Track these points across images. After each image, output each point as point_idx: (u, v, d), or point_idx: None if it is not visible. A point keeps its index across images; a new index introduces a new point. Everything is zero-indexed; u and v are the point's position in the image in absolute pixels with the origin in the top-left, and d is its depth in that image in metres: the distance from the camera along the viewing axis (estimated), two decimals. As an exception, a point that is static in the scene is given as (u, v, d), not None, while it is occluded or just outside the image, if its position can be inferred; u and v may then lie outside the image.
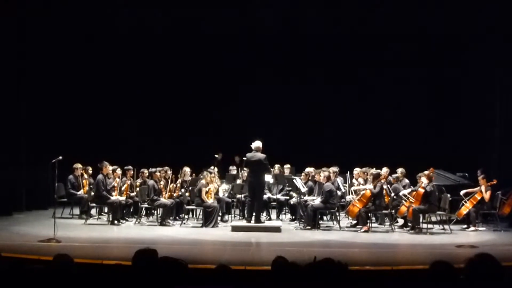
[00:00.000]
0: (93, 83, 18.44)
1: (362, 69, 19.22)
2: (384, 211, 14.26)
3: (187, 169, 15.73)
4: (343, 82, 19.43)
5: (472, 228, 14.09)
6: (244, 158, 14.66)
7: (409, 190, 14.31)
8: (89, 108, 18.43)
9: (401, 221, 14.76)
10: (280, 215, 16.20)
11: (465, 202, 14.27)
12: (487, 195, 14.21)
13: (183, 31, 18.95)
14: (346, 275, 4.18)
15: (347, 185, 15.53)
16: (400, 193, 14.34)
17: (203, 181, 14.50)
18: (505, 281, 4.07)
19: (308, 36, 19.20)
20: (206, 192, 14.39)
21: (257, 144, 14.05)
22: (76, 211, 15.69)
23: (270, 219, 15.64)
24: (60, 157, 12.05)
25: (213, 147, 18.51)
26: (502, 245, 12.05)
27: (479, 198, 14.21)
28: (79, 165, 15.72)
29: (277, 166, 16.33)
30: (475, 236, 13.34)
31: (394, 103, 19.07)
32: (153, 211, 15.43)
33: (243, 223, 14.21)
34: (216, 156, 18.32)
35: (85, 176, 15.84)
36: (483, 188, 14.27)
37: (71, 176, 15.65)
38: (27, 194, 16.63)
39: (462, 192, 14.43)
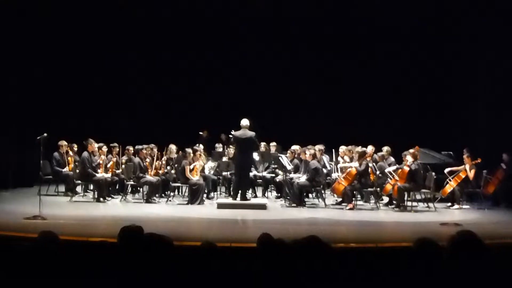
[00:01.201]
0: (79, 59, 18.29)
1: (349, 47, 19.20)
2: (369, 189, 14.33)
3: (172, 147, 15.73)
4: (330, 60, 19.40)
5: (456, 206, 14.19)
6: (230, 136, 14.63)
7: (394, 167, 14.38)
8: (75, 85, 18.29)
9: (386, 199, 14.88)
10: (266, 193, 16.25)
11: (450, 180, 14.35)
12: (471, 174, 14.29)
13: (164, 4, 18.89)
14: (329, 253, 4.20)
15: (332, 163, 15.59)
16: (386, 171, 14.40)
17: (186, 159, 14.48)
18: (488, 258, 4.10)
19: (292, 10, 19.15)
20: (192, 170, 14.39)
21: (246, 122, 14.01)
22: (62, 188, 15.66)
23: (256, 196, 15.68)
24: (45, 134, 11.99)
25: (199, 125, 18.47)
26: (486, 223, 12.16)
27: (463, 176, 14.29)
28: (64, 143, 15.65)
29: (263, 144, 16.35)
30: (459, 214, 13.45)
31: (380, 81, 19.08)
32: (139, 188, 15.41)
33: (229, 200, 14.24)
34: (201, 133, 18.29)
35: (70, 153, 15.77)
36: (467, 166, 14.35)
37: (56, 154, 15.57)
38: (13, 171, 16.55)
39: (446, 170, 14.50)
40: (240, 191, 13.95)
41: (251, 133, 13.92)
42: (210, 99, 19.57)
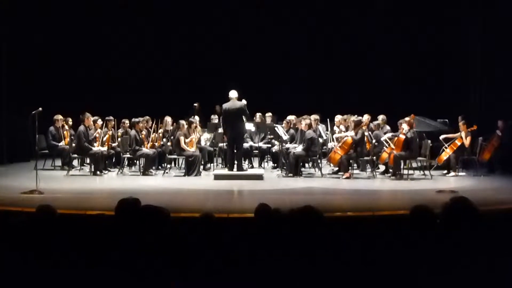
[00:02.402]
0: (74, 33, 18.20)
1: (344, 15, 19.11)
2: (365, 158, 14.34)
3: (168, 119, 15.71)
4: (324, 29, 19.32)
5: (452, 174, 14.24)
6: (220, 108, 14.60)
7: (390, 135, 14.39)
8: (69, 59, 18.21)
9: (382, 168, 14.91)
10: (262, 163, 16.27)
11: (446, 148, 14.39)
12: (467, 141, 14.32)
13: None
14: (323, 222, 4.22)
15: (328, 133, 15.58)
16: (382, 139, 14.42)
17: (180, 131, 14.48)
18: (483, 224, 4.12)
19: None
20: (188, 142, 14.40)
21: (235, 93, 13.94)
22: (58, 162, 15.65)
23: (252, 167, 15.70)
24: (40, 109, 11.94)
25: (192, 97, 18.41)
26: (482, 190, 12.18)
27: (459, 144, 14.32)
28: (59, 117, 15.62)
29: (258, 114, 16.34)
30: (455, 182, 13.49)
31: (375, 49, 19.01)
32: (135, 161, 15.41)
33: (226, 171, 14.25)
34: (194, 105, 18.23)
35: (66, 127, 15.75)
36: (463, 134, 14.37)
37: (51, 128, 15.55)
38: (9, 146, 16.54)
39: (441, 137, 14.53)
40: (236, 162, 13.96)
41: (241, 103, 13.85)
42: (204, 70, 19.46)
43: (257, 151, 16.20)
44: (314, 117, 14.82)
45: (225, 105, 13.98)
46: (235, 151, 14.00)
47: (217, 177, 13.68)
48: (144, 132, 14.87)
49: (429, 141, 14.13)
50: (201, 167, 14.80)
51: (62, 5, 17.60)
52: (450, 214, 4.10)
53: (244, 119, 14.20)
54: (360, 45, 19.14)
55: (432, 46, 18.60)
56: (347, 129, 14.81)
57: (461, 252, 3.80)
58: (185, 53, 19.62)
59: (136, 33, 19.26)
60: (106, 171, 14.74)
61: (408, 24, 18.66)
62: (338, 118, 15.75)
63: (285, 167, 14.53)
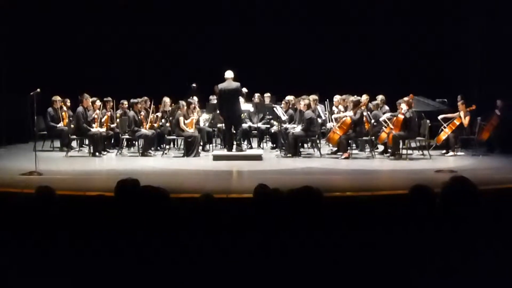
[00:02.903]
0: (74, 11, 18.16)
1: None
2: (364, 138, 14.35)
3: (167, 100, 15.69)
4: (324, 11, 19.27)
5: (451, 153, 14.26)
6: (216, 88, 14.57)
7: (388, 114, 14.40)
8: (67, 40, 18.16)
9: (381, 148, 14.92)
10: (261, 144, 16.28)
11: (444, 127, 14.39)
12: (466, 121, 14.32)
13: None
14: (322, 202, 4.23)
15: (327, 113, 15.57)
16: (380, 119, 14.42)
17: (180, 111, 14.47)
18: (482, 203, 4.13)
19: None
20: (187, 123, 14.39)
21: (231, 73, 13.90)
22: (57, 144, 15.64)
23: (251, 147, 15.71)
24: (38, 90, 11.93)
25: (189, 77, 18.37)
26: (481, 169, 12.21)
27: (458, 123, 14.33)
28: (58, 98, 15.61)
29: (257, 95, 16.32)
30: (454, 161, 13.51)
31: (373, 30, 18.96)
32: (134, 142, 15.41)
33: (225, 152, 14.25)
34: (193, 85, 18.18)
35: (64, 108, 15.74)
36: (462, 113, 14.37)
37: (50, 109, 15.54)
38: (7, 128, 16.53)
39: (440, 117, 14.53)
40: (235, 142, 13.97)
41: (236, 84, 13.82)
42: (202, 51, 19.41)
43: (256, 132, 16.19)
44: (313, 97, 14.81)
45: (221, 85, 13.93)
46: (233, 131, 14.02)
47: (216, 157, 13.68)
48: (142, 113, 14.86)
49: (428, 121, 14.14)
50: (200, 148, 14.81)
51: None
52: (449, 193, 4.11)
53: (241, 100, 14.19)
54: (360, 27, 19.05)
55: (429, 26, 18.54)
56: (346, 109, 14.80)
57: (461, 232, 3.81)
58: (182, 33, 19.54)
59: (136, 14, 19.17)
60: (105, 152, 14.73)
61: (411, 8, 18.62)
62: (337, 98, 15.73)
63: (284, 148, 14.53)
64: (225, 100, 13.97)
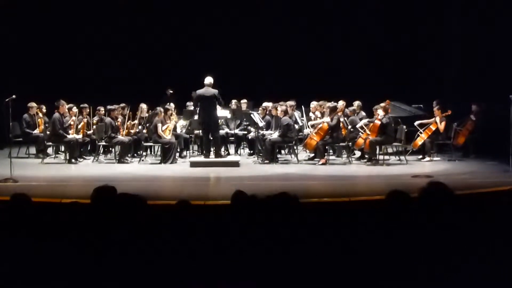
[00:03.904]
0: (49, 19, 18.06)
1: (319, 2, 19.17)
2: (341, 144, 14.39)
3: (143, 106, 15.64)
4: (301, 16, 19.33)
5: (427, 159, 14.34)
6: (192, 94, 14.55)
7: (365, 120, 14.46)
8: (43, 46, 18.06)
9: (358, 153, 14.98)
10: (239, 150, 16.26)
11: (421, 133, 14.48)
12: (442, 126, 14.42)
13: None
14: (298, 207, 4.23)
15: (304, 119, 15.60)
16: (357, 126, 14.48)
17: (157, 118, 14.42)
18: (458, 208, 4.15)
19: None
20: (165, 129, 14.34)
21: (210, 79, 13.92)
22: (32, 150, 15.51)
23: (228, 154, 15.70)
24: (14, 96, 11.84)
25: (166, 83, 18.36)
26: (457, 174, 12.32)
27: (434, 129, 14.42)
28: (33, 104, 15.47)
29: (234, 101, 16.31)
30: (430, 166, 13.61)
31: (351, 35, 19.05)
32: (110, 148, 15.33)
33: (202, 158, 14.24)
34: (170, 92, 18.15)
35: (40, 115, 15.62)
36: (438, 119, 14.47)
37: (25, 115, 15.40)
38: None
39: (416, 123, 14.60)
40: (214, 148, 13.95)
41: (214, 91, 13.83)
42: (179, 56, 19.39)
43: (233, 138, 16.18)
44: (290, 103, 14.85)
45: (199, 92, 13.94)
46: (210, 138, 14.01)
47: (193, 164, 13.66)
48: (119, 120, 14.79)
49: (404, 127, 14.23)
50: (177, 154, 14.77)
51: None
52: (427, 198, 4.13)
53: (218, 107, 14.21)
54: (335, 32, 19.13)
55: (406, 32, 18.66)
56: (322, 115, 14.83)
57: (438, 236, 3.83)
58: (158, 38, 19.51)
59: (111, 22, 19.09)
60: (81, 159, 14.64)
61: (387, 13, 18.75)
62: (313, 104, 15.75)
63: (261, 154, 14.54)
64: (203, 106, 13.97)
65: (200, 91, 13.92)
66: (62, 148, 15.13)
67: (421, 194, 4.18)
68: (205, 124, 14.03)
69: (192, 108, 16.40)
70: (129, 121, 15.11)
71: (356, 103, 15.25)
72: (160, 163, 14.19)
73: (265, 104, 15.93)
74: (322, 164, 13.78)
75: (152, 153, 15.99)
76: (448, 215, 4.01)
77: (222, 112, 15.04)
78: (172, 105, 15.56)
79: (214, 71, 14.24)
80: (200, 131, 15.12)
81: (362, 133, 14.31)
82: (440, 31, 18.28)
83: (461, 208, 4.19)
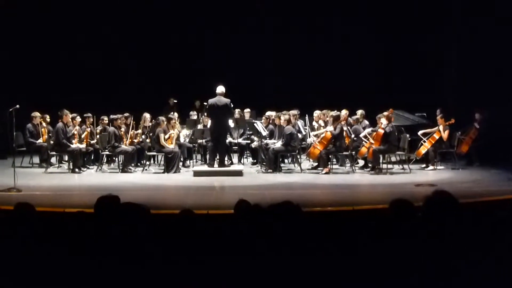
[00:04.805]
0: (51, 29, 18.09)
1: (318, 10, 19.18)
2: (344, 153, 14.38)
3: (147, 115, 15.65)
4: (304, 25, 19.36)
5: (430, 167, 14.31)
6: (205, 103, 14.55)
7: (369, 130, 14.45)
8: (47, 56, 18.09)
9: (361, 162, 14.94)
10: (242, 159, 16.24)
11: (424, 141, 14.46)
12: (445, 134, 14.40)
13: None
14: (301, 216, 4.23)
15: (307, 128, 15.60)
16: (361, 135, 14.47)
17: (160, 127, 14.42)
18: (463, 217, 4.15)
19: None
20: (168, 138, 14.34)
21: (222, 89, 13.94)
22: (36, 160, 15.52)
23: (232, 163, 15.68)
24: (17, 106, 11.87)
25: (169, 93, 18.39)
26: (460, 182, 12.29)
27: (437, 137, 14.40)
28: (37, 114, 15.49)
29: (237, 110, 16.28)
30: (434, 175, 13.58)
31: (353, 44, 19.04)
32: (114, 158, 15.35)
33: (205, 168, 14.23)
34: (174, 101, 18.19)
35: (44, 124, 15.64)
36: (441, 127, 14.44)
37: (29, 125, 15.42)
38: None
39: (420, 133, 14.59)
40: (218, 158, 13.95)
41: (226, 100, 13.85)
42: (182, 66, 19.42)
43: (236, 147, 16.16)
44: (293, 112, 14.85)
45: (211, 101, 13.95)
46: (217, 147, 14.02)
47: (197, 173, 13.64)
48: (123, 129, 14.80)
49: (408, 135, 14.22)
50: (181, 163, 14.77)
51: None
52: (432, 207, 4.12)
53: (228, 117, 14.24)
54: (338, 40, 19.13)
55: (408, 40, 18.65)
56: (326, 124, 14.83)
57: (443, 245, 3.82)
58: (161, 48, 19.55)
59: (117, 32, 19.12)
60: (85, 168, 14.65)
61: (388, 23, 18.76)
62: (316, 113, 15.75)
63: (264, 163, 14.53)
64: (214, 115, 13.98)
65: (212, 101, 13.93)
66: (66, 158, 15.13)
67: (426, 203, 4.17)
68: (216, 133, 14.00)
69: (195, 117, 16.44)
70: (133, 130, 15.12)
71: (359, 112, 15.25)
72: (163, 172, 14.18)
73: (268, 113, 15.94)
74: (326, 173, 13.76)
75: (156, 162, 16.00)
76: (452, 224, 4.00)
77: (226, 121, 15.06)
78: (175, 114, 15.58)
79: (217, 80, 14.25)
80: (204, 140, 15.12)
81: (365, 142, 14.31)
82: (442, 39, 18.26)
83: (466, 216, 4.19)
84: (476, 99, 15.71)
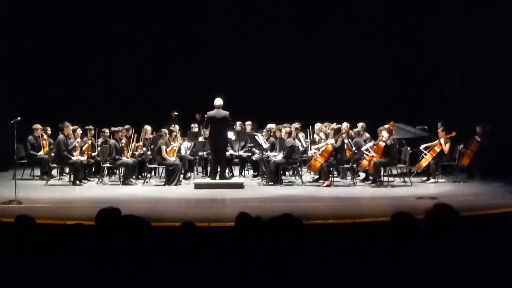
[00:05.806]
0: (52, 42, 18.16)
1: (323, 21, 19.26)
2: (345, 165, 14.38)
3: (148, 128, 15.64)
4: (303, 36, 19.41)
5: (432, 180, 14.30)
6: (206, 116, 14.57)
7: (371, 144, 14.44)
8: (48, 68, 18.13)
9: (362, 175, 14.93)
10: (243, 172, 16.24)
11: (425, 154, 14.45)
12: (446, 147, 14.38)
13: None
14: (302, 229, 4.23)
15: (308, 140, 15.60)
16: (362, 149, 14.46)
17: (162, 140, 14.42)
18: (463, 230, 4.14)
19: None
20: (169, 151, 14.35)
21: (220, 101, 13.99)
22: (37, 172, 15.51)
23: (233, 175, 15.67)
24: (19, 118, 11.87)
25: (171, 105, 18.42)
26: (461, 196, 12.27)
27: (438, 150, 14.39)
28: (38, 126, 15.51)
29: (238, 123, 16.31)
30: (435, 188, 13.57)
31: (354, 56, 19.07)
32: (115, 170, 15.34)
33: (206, 180, 14.23)
34: (175, 114, 18.21)
35: (45, 136, 15.65)
36: (442, 140, 14.44)
37: (30, 137, 15.43)
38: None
39: (422, 147, 14.57)
40: (219, 171, 13.94)
41: (225, 113, 13.89)
42: (183, 78, 19.44)
43: (237, 160, 16.17)
44: (294, 125, 14.87)
45: (210, 113, 14.00)
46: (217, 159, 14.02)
47: (198, 186, 13.64)
48: (124, 141, 14.80)
49: (409, 148, 14.22)
50: (181, 176, 14.76)
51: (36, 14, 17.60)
52: (433, 220, 4.12)
53: (228, 129, 14.27)
54: (338, 53, 19.15)
55: (408, 52, 18.68)
56: (327, 136, 14.83)
57: (444, 258, 3.81)
58: (162, 61, 19.59)
59: (116, 44, 19.16)
60: (86, 181, 14.65)
61: (388, 33, 18.82)
62: (318, 125, 15.76)
63: (265, 176, 14.53)
64: (214, 127, 14.01)
65: (211, 113, 13.99)
66: (67, 170, 15.13)
67: (427, 216, 4.17)
68: (215, 146, 14.03)
69: (196, 130, 16.45)
70: (134, 142, 15.12)
71: (360, 124, 15.24)
72: (164, 184, 14.17)
73: (269, 125, 15.95)
74: (327, 185, 13.75)
75: (157, 174, 16.00)
76: (453, 237, 4.00)
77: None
78: (176, 127, 15.59)
79: (218, 93, 14.27)
80: (205, 153, 15.12)
81: (366, 155, 14.30)
82: (442, 51, 18.31)
83: (466, 230, 4.18)
84: (477, 112, 15.74)
